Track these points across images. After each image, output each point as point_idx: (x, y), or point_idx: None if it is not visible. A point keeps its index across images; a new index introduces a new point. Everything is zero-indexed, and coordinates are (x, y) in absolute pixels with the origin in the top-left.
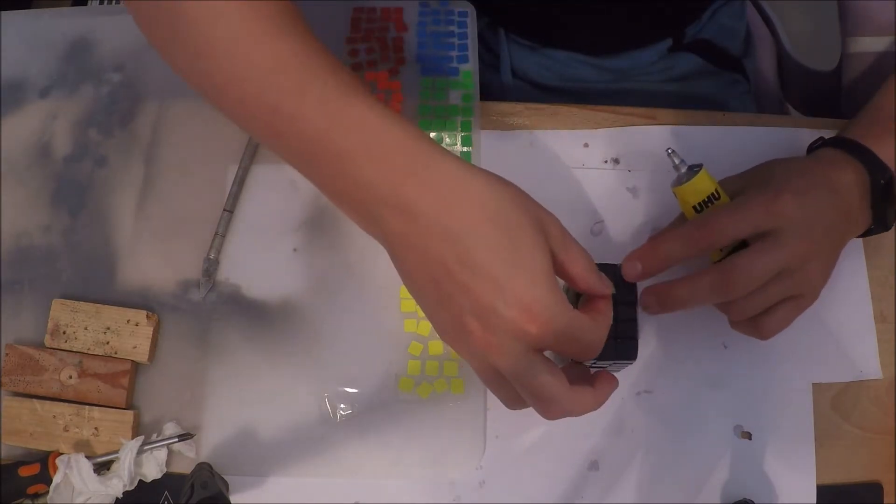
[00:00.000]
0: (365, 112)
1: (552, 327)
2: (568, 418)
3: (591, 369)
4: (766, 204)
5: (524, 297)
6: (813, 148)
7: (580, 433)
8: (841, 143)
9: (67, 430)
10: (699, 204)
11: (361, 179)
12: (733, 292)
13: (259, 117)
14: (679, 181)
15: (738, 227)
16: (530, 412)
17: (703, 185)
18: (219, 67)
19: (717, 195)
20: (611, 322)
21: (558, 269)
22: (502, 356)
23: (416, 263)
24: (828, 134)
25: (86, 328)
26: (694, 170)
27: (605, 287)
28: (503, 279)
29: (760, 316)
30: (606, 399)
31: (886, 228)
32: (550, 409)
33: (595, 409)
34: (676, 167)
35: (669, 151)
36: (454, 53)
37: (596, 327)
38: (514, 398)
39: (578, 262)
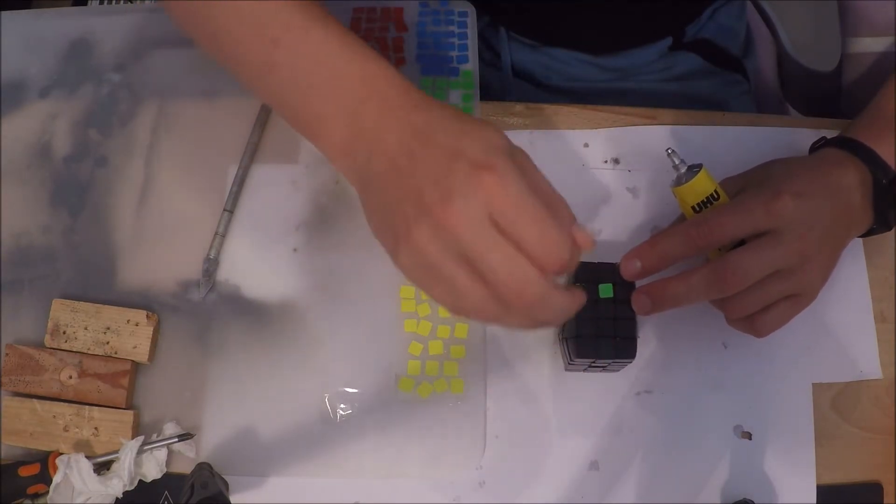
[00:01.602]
0: (358, 45)
1: (513, 184)
2: (567, 417)
3: (589, 367)
4: (766, 204)
5: (479, 153)
6: (815, 147)
7: (580, 433)
8: (843, 143)
9: (67, 430)
10: (698, 204)
11: (353, 84)
12: (727, 289)
13: (255, 45)
14: (679, 181)
15: (738, 227)
16: (530, 412)
17: (702, 186)
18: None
19: (716, 195)
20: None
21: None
22: (463, 221)
23: (381, 155)
24: (828, 134)
25: (86, 328)
26: (694, 170)
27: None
28: (459, 146)
29: (757, 314)
30: (577, 307)
31: (888, 228)
32: (522, 296)
33: (568, 314)
34: (676, 167)
35: (669, 151)
36: (454, 53)
37: (565, 229)
38: (478, 295)
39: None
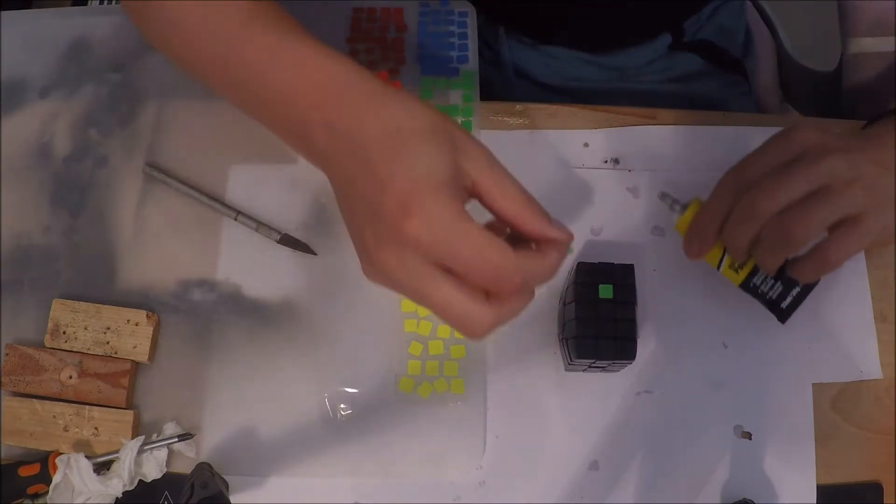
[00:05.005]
0: (298, 46)
1: (434, 231)
2: (567, 417)
3: (589, 367)
4: (785, 134)
5: (403, 193)
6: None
7: (580, 433)
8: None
9: (67, 430)
10: None
11: (298, 104)
12: (761, 212)
13: (214, 67)
14: (676, 218)
15: (762, 162)
16: (530, 412)
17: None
18: (176, 34)
19: None
20: (549, 263)
21: (493, 202)
22: (396, 270)
23: (338, 183)
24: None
25: (86, 328)
26: (688, 205)
27: (553, 229)
28: (388, 179)
29: (819, 244)
30: (558, 265)
31: None
32: (468, 327)
33: (547, 280)
34: (671, 208)
35: (661, 195)
36: (454, 53)
37: (505, 249)
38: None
39: (515, 196)
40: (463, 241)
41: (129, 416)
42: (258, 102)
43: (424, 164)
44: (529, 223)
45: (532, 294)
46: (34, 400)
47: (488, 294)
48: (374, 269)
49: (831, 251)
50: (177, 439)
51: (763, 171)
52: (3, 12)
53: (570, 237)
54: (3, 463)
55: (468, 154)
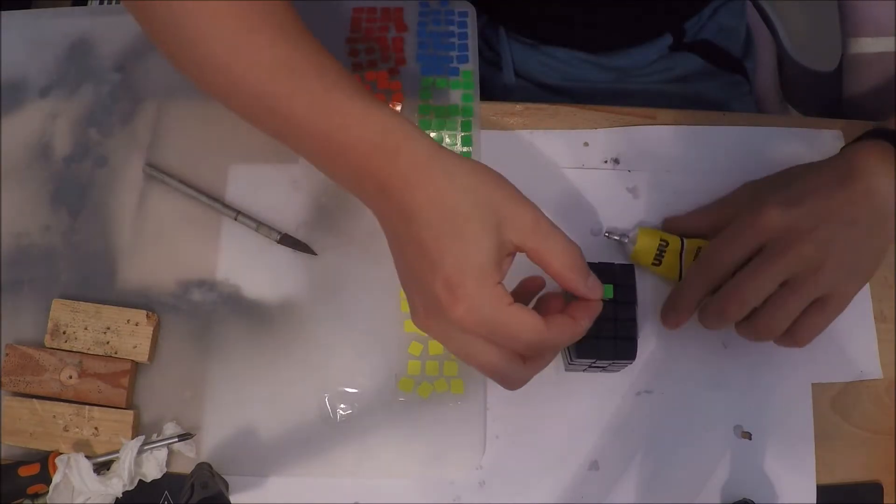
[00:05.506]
0: (346, 104)
1: (477, 316)
2: (567, 417)
3: (589, 367)
4: (751, 222)
5: (451, 281)
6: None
7: (580, 433)
8: (875, 134)
9: (67, 430)
10: (655, 258)
11: (350, 162)
12: (729, 317)
13: (261, 116)
14: (629, 252)
15: (734, 254)
16: (530, 412)
17: (645, 243)
18: (216, 80)
19: (665, 242)
20: (580, 330)
21: (538, 262)
22: (443, 338)
23: (390, 237)
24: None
25: (86, 328)
26: (635, 238)
27: (587, 289)
28: (438, 261)
29: (790, 327)
30: (585, 329)
31: None
32: (507, 384)
33: (575, 340)
34: (620, 242)
35: (606, 235)
36: (454, 53)
37: (539, 328)
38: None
39: (557, 257)
40: (503, 324)
41: (129, 416)
42: (307, 150)
43: (471, 250)
44: (568, 282)
45: (560, 348)
46: (34, 400)
47: (523, 356)
48: (422, 326)
49: (800, 336)
50: (177, 439)
51: (731, 261)
52: (3, 12)
53: (601, 294)
54: (3, 463)
55: (511, 224)
